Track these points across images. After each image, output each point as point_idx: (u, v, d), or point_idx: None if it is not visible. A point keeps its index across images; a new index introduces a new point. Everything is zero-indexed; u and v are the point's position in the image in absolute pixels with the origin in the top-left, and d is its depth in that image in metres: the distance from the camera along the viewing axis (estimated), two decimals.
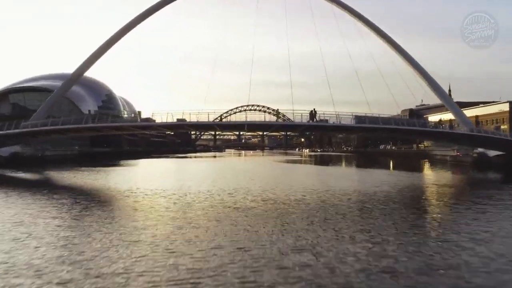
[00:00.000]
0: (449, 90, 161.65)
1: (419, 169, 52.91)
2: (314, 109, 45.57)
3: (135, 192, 24.66)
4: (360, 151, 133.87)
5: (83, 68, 60.38)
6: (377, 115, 45.72)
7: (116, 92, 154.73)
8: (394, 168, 55.03)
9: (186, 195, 23.14)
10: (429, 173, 45.10)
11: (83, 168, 47.59)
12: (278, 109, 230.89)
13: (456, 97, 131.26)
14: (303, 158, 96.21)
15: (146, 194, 23.54)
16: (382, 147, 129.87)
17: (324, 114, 45.27)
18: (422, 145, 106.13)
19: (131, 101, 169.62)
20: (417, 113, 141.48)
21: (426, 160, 74.21)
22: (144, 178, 35.54)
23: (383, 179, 34.06)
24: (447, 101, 61.00)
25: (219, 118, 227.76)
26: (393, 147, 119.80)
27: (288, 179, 33.95)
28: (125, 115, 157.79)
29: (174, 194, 23.65)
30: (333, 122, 44.29)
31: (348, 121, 43.60)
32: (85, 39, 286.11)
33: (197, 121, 43.86)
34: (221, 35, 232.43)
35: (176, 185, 28.59)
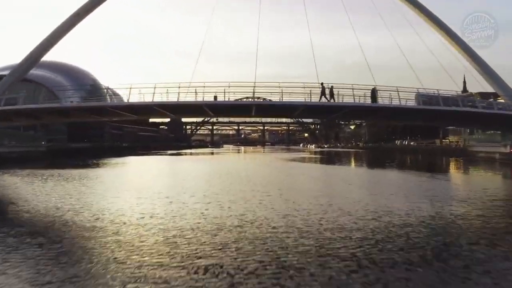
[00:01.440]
0: (464, 81, 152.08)
1: (469, 172, 41.54)
2: (374, 87, 35.11)
3: (83, 223, 13.41)
4: (373, 147, 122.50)
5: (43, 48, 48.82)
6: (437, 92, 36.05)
7: (102, 82, 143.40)
8: (430, 170, 43.22)
9: (181, 232, 12.00)
10: (493, 179, 33.80)
11: (37, 171, 36.36)
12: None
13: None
14: (312, 156, 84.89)
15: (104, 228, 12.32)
16: (398, 142, 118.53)
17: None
18: (449, 140, 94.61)
19: (119, 92, 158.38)
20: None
21: (464, 158, 62.57)
22: (114, 188, 24.20)
23: (437, 189, 22.89)
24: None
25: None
26: (413, 143, 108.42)
27: (311, 192, 22.60)
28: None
29: (160, 228, 12.56)
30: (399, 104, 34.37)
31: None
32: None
33: (177, 102, 32.54)
34: (220, 30, 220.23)
35: (160, 206, 17.27)
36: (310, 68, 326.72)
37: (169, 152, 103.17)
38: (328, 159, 69.66)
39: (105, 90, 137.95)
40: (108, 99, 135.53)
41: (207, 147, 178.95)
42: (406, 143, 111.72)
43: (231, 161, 61.20)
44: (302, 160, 65.23)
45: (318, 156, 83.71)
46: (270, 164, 52.85)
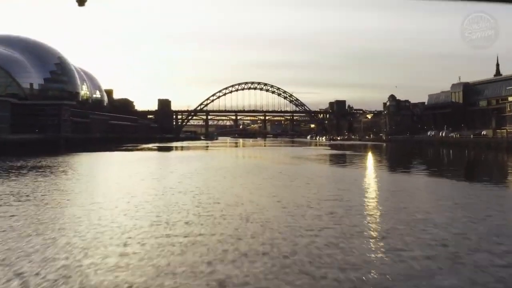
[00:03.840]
0: (497, 64, 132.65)
1: None
2: None
3: None
4: (399, 140, 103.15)
5: None
6: None
7: (73, 62, 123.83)
8: None
9: None
10: None
11: None
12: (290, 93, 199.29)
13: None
14: (331, 151, 65.91)
15: None
16: (432, 133, 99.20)
17: None
18: (507, 130, 74.97)
19: (96, 75, 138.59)
20: (474, 89, 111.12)
21: None
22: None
23: None
24: None
25: (210, 101, 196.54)
26: (453, 134, 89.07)
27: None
28: (83, 91, 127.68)
29: None
30: None
31: None
32: None
33: None
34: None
35: None
36: (313, 54, 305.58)
37: (151, 146, 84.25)
38: (360, 160, 50.53)
39: (74, 71, 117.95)
40: (78, 82, 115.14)
41: (199, 139, 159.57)
42: (443, 134, 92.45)
43: (230, 165, 42.69)
44: (322, 159, 46.37)
45: (339, 152, 64.50)
46: (276, 163, 34.31)
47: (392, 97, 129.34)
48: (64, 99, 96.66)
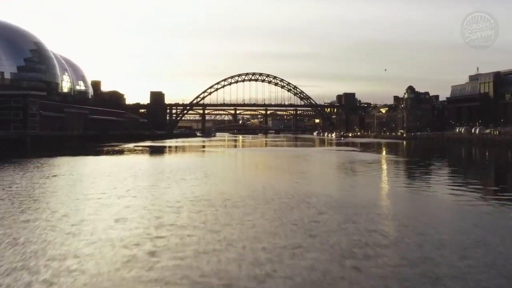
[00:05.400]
0: None
1: None
2: None
3: None
4: (423, 137, 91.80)
5: None
6: None
7: (53, 49, 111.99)
8: None
9: None
10: None
11: None
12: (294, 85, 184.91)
13: None
14: (366, 155, 54.36)
15: None
16: (462, 130, 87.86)
17: None
18: None
19: (79, 64, 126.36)
20: (506, 79, 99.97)
21: None
22: None
23: None
24: None
25: (207, 93, 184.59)
26: (489, 130, 77.77)
27: None
28: (64, 82, 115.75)
29: None
30: None
31: None
32: None
33: None
34: None
35: None
36: (315, 44, 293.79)
37: (132, 146, 72.33)
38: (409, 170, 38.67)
39: (53, 58, 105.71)
40: (57, 71, 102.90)
41: (194, 136, 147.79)
42: (476, 131, 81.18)
43: (230, 177, 30.74)
44: (349, 168, 34.80)
45: (378, 157, 52.85)
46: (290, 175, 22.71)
47: (410, 89, 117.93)
48: (41, 90, 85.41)
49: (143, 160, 42.84)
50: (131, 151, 57.74)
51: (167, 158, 47.91)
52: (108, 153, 52.33)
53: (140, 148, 66.35)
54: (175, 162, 38.58)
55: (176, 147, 74.09)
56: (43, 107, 71.62)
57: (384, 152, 57.68)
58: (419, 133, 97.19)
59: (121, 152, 55.40)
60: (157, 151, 60.96)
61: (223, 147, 75.48)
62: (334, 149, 63.65)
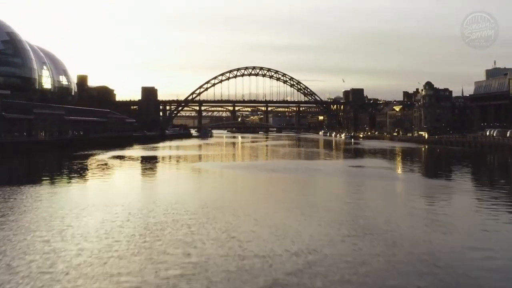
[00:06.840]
0: None
1: None
2: None
3: None
4: (452, 141, 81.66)
5: None
6: None
7: (30, 40, 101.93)
8: None
9: None
10: None
11: None
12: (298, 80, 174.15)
13: None
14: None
15: None
16: (493, 132, 77.76)
17: None
18: None
19: (60, 57, 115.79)
20: None
21: None
22: None
23: None
24: None
25: (203, 89, 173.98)
26: None
27: None
28: (44, 77, 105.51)
29: None
30: None
31: None
32: None
33: None
34: None
35: None
36: (316, 36, 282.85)
37: (108, 155, 61.89)
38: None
39: (29, 51, 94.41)
40: (35, 65, 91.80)
41: (189, 136, 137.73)
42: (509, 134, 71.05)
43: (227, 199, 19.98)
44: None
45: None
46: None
47: (428, 85, 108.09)
48: (15, 87, 76.50)
49: (114, 192, 29.01)
50: (99, 167, 42.09)
51: (148, 183, 32.42)
52: (53, 177, 34.31)
53: (115, 161, 49.66)
54: (158, 195, 26.68)
55: (166, 157, 60.77)
56: (5, 107, 61.65)
57: (444, 177, 35.94)
58: (445, 135, 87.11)
59: (81, 170, 39.69)
60: (140, 167, 48.02)
61: (221, 157, 64.99)
62: (359, 164, 46.00)
